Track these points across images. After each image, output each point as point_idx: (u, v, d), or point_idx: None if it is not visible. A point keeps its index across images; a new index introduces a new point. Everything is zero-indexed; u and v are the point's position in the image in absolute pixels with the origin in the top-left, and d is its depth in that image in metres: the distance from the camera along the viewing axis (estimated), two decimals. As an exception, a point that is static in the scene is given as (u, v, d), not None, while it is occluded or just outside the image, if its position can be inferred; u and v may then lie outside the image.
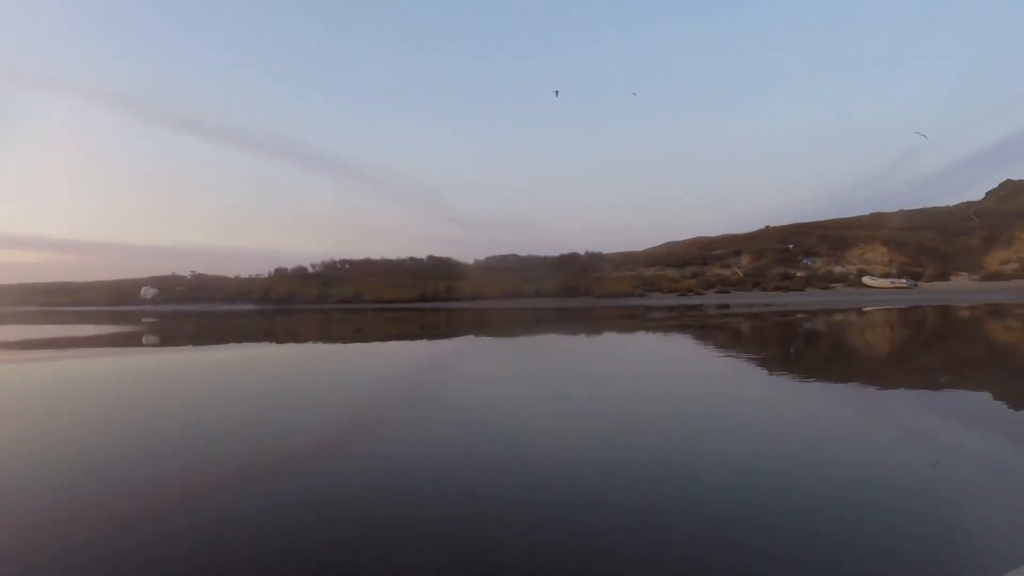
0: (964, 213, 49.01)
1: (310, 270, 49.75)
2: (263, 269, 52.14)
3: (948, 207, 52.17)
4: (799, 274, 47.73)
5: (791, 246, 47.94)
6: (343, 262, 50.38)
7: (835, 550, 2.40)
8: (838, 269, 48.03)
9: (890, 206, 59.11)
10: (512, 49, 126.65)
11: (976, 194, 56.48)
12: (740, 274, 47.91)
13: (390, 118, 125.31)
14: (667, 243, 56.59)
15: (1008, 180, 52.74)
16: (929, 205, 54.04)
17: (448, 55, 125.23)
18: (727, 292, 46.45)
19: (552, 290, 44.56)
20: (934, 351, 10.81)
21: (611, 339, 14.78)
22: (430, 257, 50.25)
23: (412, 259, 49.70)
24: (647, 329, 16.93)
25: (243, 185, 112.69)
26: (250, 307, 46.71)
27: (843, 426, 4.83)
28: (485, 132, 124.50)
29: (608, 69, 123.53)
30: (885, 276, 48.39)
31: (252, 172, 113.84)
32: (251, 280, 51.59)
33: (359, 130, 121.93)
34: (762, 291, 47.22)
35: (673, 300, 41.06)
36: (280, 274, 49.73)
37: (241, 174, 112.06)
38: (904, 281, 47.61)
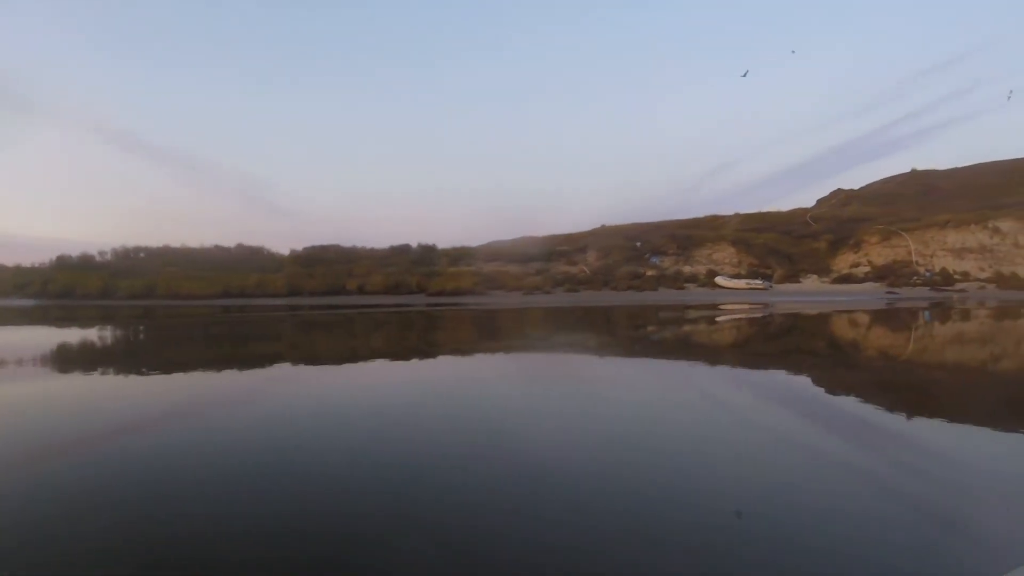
0: (801, 217, 49.62)
1: (98, 258, 42.28)
2: (49, 258, 44.00)
3: (783, 212, 53.00)
4: (649, 273, 46.23)
5: (638, 244, 46.30)
6: (137, 250, 43.32)
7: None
8: (687, 269, 46.99)
9: (721, 210, 59.84)
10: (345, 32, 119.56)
11: (803, 201, 58.78)
12: (588, 272, 45.73)
13: (198, 95, 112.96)
14: (495, 241, 53.38)
15: (839, 189, 54.79)
16: (761, 210, 54.91)
17: (267, 24, 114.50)
18: (576, 291, 44.07)
19: (379, 285, 40.16)
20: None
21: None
22: (239, 246, 44.17)
23: (218, 247, 43.47)
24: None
25: (29, 163, 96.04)
26: (29, 303, 39.50)
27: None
28: (308, 115, 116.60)
29: (484, 75, 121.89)
30: (736, 276, 47.85)
31: (43, 148, 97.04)
32: (32, 270, 43.39)
33: (166, 107, 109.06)
34: (612, 290, 45.29)
35: (518, 299, 37.98)
36: (63, 262, 41.91)
37: (28, 150, 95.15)
38: (760, 282, 47.14)
